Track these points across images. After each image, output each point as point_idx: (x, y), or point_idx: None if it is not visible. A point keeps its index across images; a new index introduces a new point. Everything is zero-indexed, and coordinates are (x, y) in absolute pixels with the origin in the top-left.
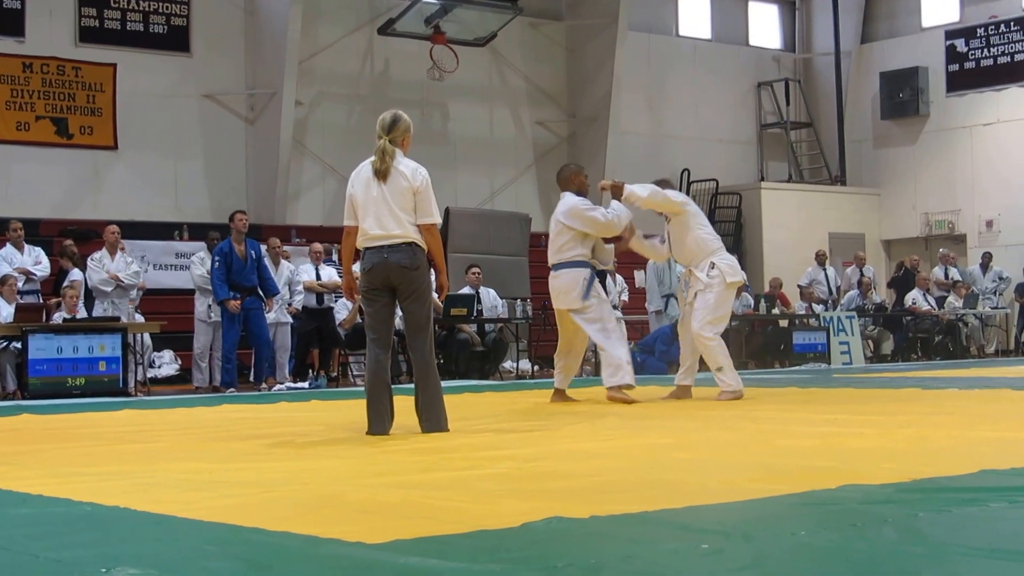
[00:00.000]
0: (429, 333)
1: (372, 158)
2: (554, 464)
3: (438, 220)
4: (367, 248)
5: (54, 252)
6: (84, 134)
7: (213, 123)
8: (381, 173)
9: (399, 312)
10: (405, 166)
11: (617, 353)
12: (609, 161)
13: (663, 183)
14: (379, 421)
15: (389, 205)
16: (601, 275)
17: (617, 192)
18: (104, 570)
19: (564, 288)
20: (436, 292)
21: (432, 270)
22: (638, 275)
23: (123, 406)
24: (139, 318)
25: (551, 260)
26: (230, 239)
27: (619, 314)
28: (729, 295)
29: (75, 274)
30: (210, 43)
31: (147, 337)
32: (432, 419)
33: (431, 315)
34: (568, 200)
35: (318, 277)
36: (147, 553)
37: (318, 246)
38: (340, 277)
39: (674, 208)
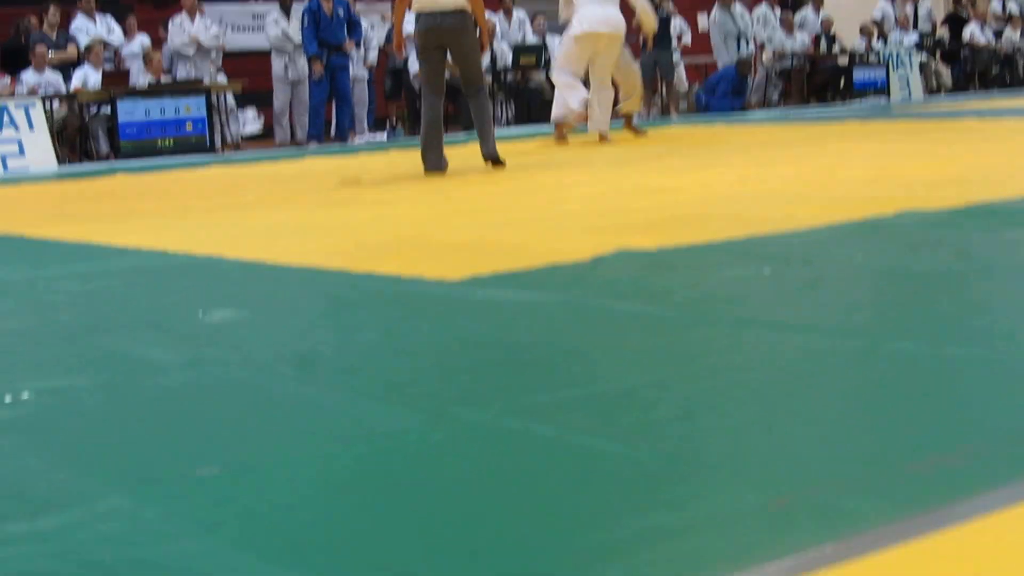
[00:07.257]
0: (482, 81)
1: None
2: (621, 200)
3: None
4: (423, 14)
5: (135, 15)
6: None
7: None
8: None
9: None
10: None
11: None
12: None
13: None
14: (435, 160)
15: None
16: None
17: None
18: (201, 312)
19: None
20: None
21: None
22: (701, 18)
23: (211, 163)
24: (221, 78)
25: None
26: None
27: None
28: (573, 45)
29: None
30: None
31: (231, 97)
32: (488, 145)
33: (480, 66)
34: None
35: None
36: (239, 295)
37: None
38: None
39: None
